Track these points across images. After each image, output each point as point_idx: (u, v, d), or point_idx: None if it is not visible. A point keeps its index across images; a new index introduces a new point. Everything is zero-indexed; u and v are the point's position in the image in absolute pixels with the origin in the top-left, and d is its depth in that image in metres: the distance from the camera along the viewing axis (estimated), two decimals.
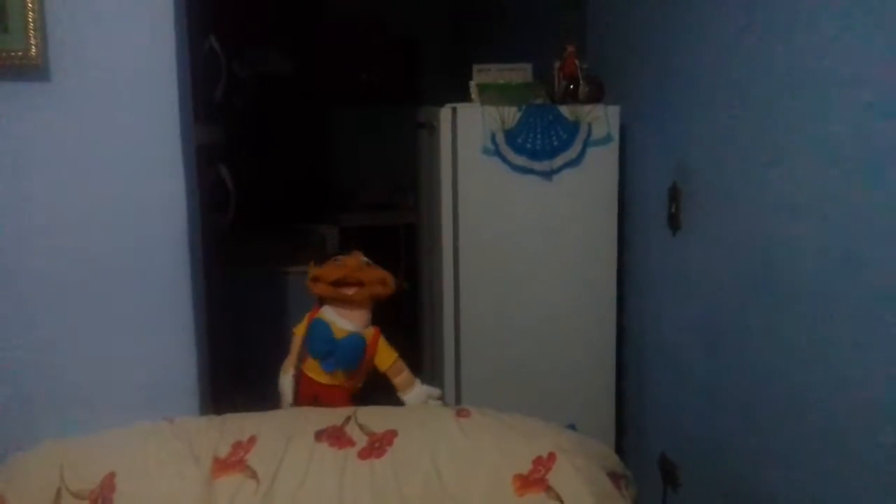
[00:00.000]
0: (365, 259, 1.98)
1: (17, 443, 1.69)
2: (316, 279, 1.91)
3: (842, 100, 1.63)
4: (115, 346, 1.82)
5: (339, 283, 1.90)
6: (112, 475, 1.62)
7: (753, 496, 2.00)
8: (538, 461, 1.67)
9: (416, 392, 1.97)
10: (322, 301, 1.96)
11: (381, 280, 1.94)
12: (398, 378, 1.97)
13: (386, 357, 1.97)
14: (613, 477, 1.73)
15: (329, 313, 1.93)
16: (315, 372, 1.91)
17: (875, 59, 1.54)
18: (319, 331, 1.91)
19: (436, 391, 2.00)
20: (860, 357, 1.61)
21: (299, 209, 4.23)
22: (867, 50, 1.56)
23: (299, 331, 1.93)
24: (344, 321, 1.92)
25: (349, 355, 1.90)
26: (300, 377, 1.94)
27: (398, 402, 1.98)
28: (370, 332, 1.94)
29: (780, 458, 1.89)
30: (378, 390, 2.00)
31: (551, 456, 1.67)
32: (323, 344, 1.89)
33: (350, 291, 1.89)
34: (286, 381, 1.86)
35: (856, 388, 1.62)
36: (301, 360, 1.96)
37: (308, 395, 1.92)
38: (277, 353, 2.03)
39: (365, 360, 1.93)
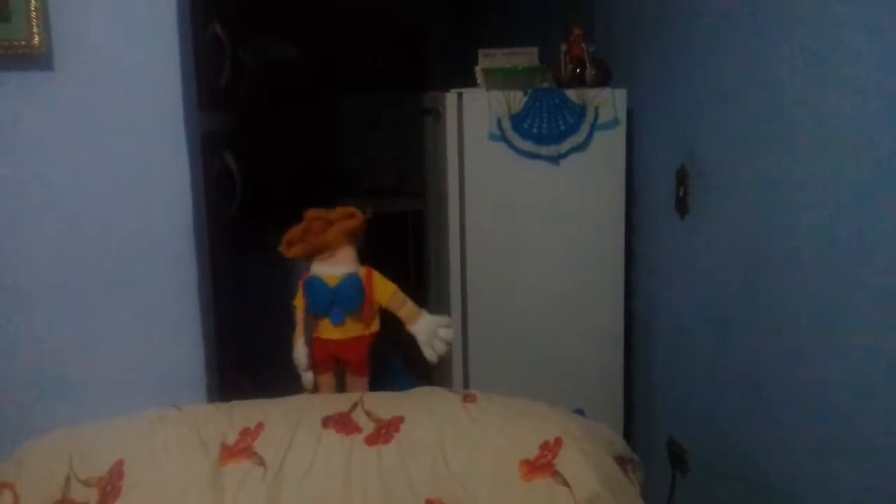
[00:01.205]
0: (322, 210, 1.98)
1: (25, 432, 1.70)
2: (288, 244, 1.92)
3: (851, 83, 1.61)
4: (122, 335, 1.83)
5: (310, 235, 1.90)
6: (120, 462, 1.63)
7: (762, 480, 2.00)
8: (545, 446, 1.66)
9: (423, 322, 1.92)
10: (308, 264, 1.96)
11: (346, 214, 1.92)
12: (402, 311, 1.93)
13: (384, 290, 1.93)
14: (621, 461, 1.72)
15: (318, 268, 1.93)
16: (327, 331, 1.91)
17: (884, 42, 1.52)
18: (314, 287, 1.91)
19: (444, 319, 1.95)
20: (869, 342, 1.60)
21: (306, 196, 4.22)
22: (876, 32, 1.54)
23: (299, 301, 1.94)
24: (333, 268, 1.91)
25: (349, 297, 1.89)
26: (315, 343, 1.95)
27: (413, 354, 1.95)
28: (362, 271, 1.93)
29: (788, 443, 1.89)
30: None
31: (558, 441, 1.67)
32: (322, 296, 1.89)
33: (323, 233, 1.89)
34: (298, 349, 1.87)
35: (864, 373, 1.61)
36: (311, 328, 1.96)
37: (326, 358, 1.93)
38: (284, 339, 2.04)
39: (367, 297, 1.92)
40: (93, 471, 1.62)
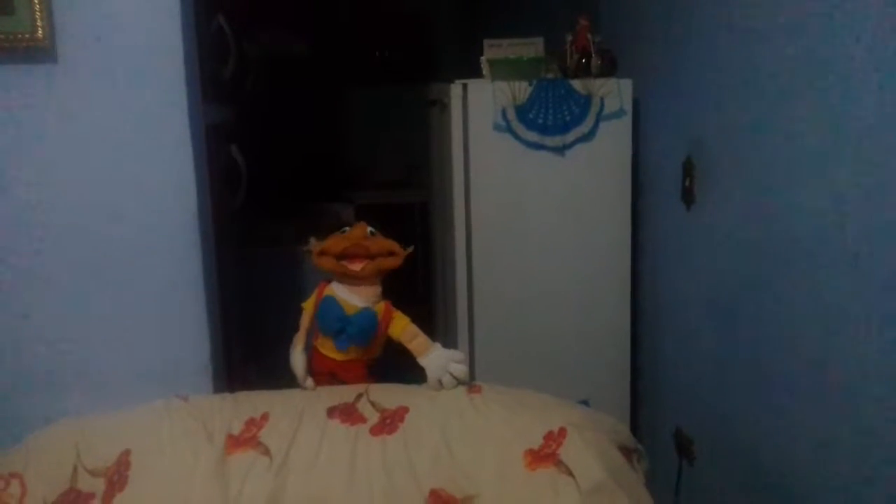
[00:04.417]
0: (370, 229, 1.94)
1: (33, 422, 1.72)
2: (322, 253, 1.87)
3: (859, 73, 1.60)
4: (128, 326, 1.84)
5: (345, 256, 1.86)
6: (127, 453, 1.64)
7: (768, 469, 1.99)
8: (549, 436, 1.67)
9: (435, 355, 1.84)
10: (331, 276, 1.93)
11: (388, 250, 1.89)
12: (413, 343, 1.86)
13: (397, 324, 1.88)
14: (625, 451, 1.72)
15: (338, 289, 1.90)
16: (329, 349, 1.89)
17: (890, 33, 1.51)
18: (330, 308, 1.87)
19: (457, 354, 1.87)
20: (876, 330, 1.59)
21: (314, 187, 4.24)
22: (884, 22, 1.52)
23: (308, 305, 1.91)
24: (354, 297, 1.87)
25: (361, 331, 1.86)
26: (314, 354, 1.93)
27: (415, 375, 1.93)
28: (381, 307, 1.90)
29: (794, 432, 1.88)
30: (396, 361, 1.94)
31: (562, 431, 1.67)
32: (334, 322, 1.86)
33: (357, 267, 1.85)
34: (295, 357, 1.85)
35: (871, 361, 1.60)
36: (312, 336, 1.94)
37: (323, 371, 1.91)
38: (291, 332, 2.03)
39: (378, 334, 1.90)
40: (100, 461, 1.64)
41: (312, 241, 1.89)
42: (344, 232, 1.91)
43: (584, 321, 2.62)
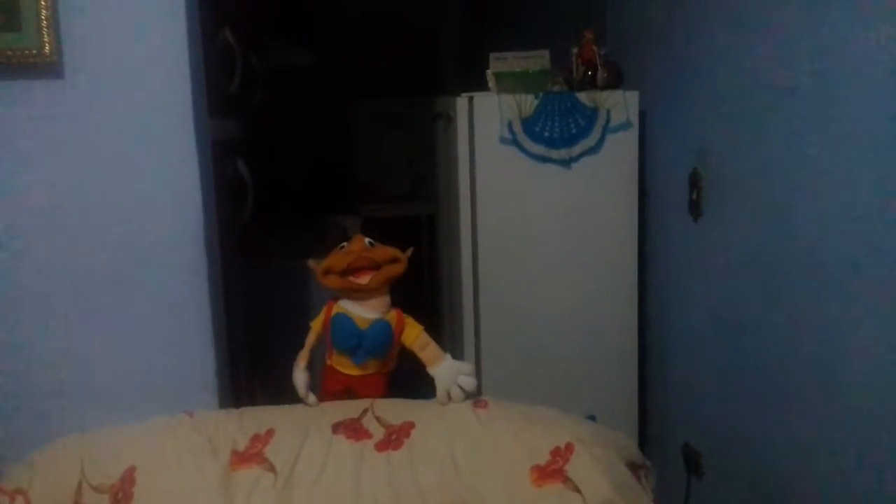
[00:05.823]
0: (368, 240, 1.93)
1: (37, 438, 1.71)
2: (327, 272, 1.86)
3: (865, 84, 1.59)
4: (133, 341, 1.83)
5: (350, 271, 1.85)
6: (132, 469, 1.63)
7: (777, 484, 1.97)
8: (556, 452, 1.65)
9: (445, 366, 1.84)
10: (337, 294, 1.92)
11: (392, 258, 1.88)
12: (424, 352, 1.86)
13: (410, 331, 1.88)
14: (633, 467, 1.71)
15: (348, 305, 1.88)
16: (345, 366, 1.87)
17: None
18: (343, 325, 1.86)
19: (467, 366, 1.88)
20: (886, 345, 1.57)
21: (321, 201, 4.24)
22: (891, 31, 1.52)
23: (316, 325, 1.89)
24: (365, 310, 1.85)
25: (378, 343, 1.85)
26: (329, 373, 1.92)
27: (426, 384, 1.92)
28: (393, 316, 1.88)
29: (803, 446, 1.87)
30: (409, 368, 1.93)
31: (569, 447, 1.66)
32: (349, 338, 1.84)
33: (364, 280, 1.84)
34: (298, 374, 1.84)
35: (881, 374, 1.59)
36: (326, 355, 1.93)
37: (338, 390, 1.89)
38: (298, 347, 2.02)
39: (394, 343, 1.88)
40: (104, 477, 1.63)
41: (312, 262, 1.88)
42: (342, 248, 1.90)
43: (590, 335, 2.61)
